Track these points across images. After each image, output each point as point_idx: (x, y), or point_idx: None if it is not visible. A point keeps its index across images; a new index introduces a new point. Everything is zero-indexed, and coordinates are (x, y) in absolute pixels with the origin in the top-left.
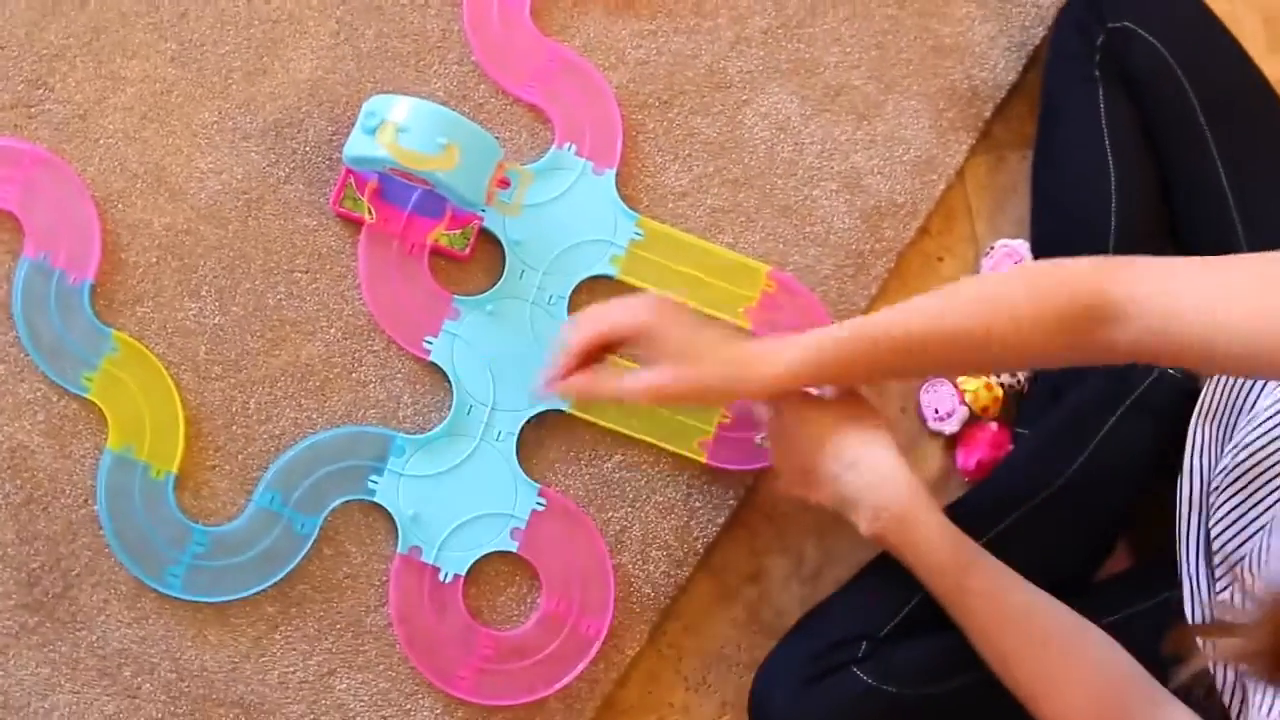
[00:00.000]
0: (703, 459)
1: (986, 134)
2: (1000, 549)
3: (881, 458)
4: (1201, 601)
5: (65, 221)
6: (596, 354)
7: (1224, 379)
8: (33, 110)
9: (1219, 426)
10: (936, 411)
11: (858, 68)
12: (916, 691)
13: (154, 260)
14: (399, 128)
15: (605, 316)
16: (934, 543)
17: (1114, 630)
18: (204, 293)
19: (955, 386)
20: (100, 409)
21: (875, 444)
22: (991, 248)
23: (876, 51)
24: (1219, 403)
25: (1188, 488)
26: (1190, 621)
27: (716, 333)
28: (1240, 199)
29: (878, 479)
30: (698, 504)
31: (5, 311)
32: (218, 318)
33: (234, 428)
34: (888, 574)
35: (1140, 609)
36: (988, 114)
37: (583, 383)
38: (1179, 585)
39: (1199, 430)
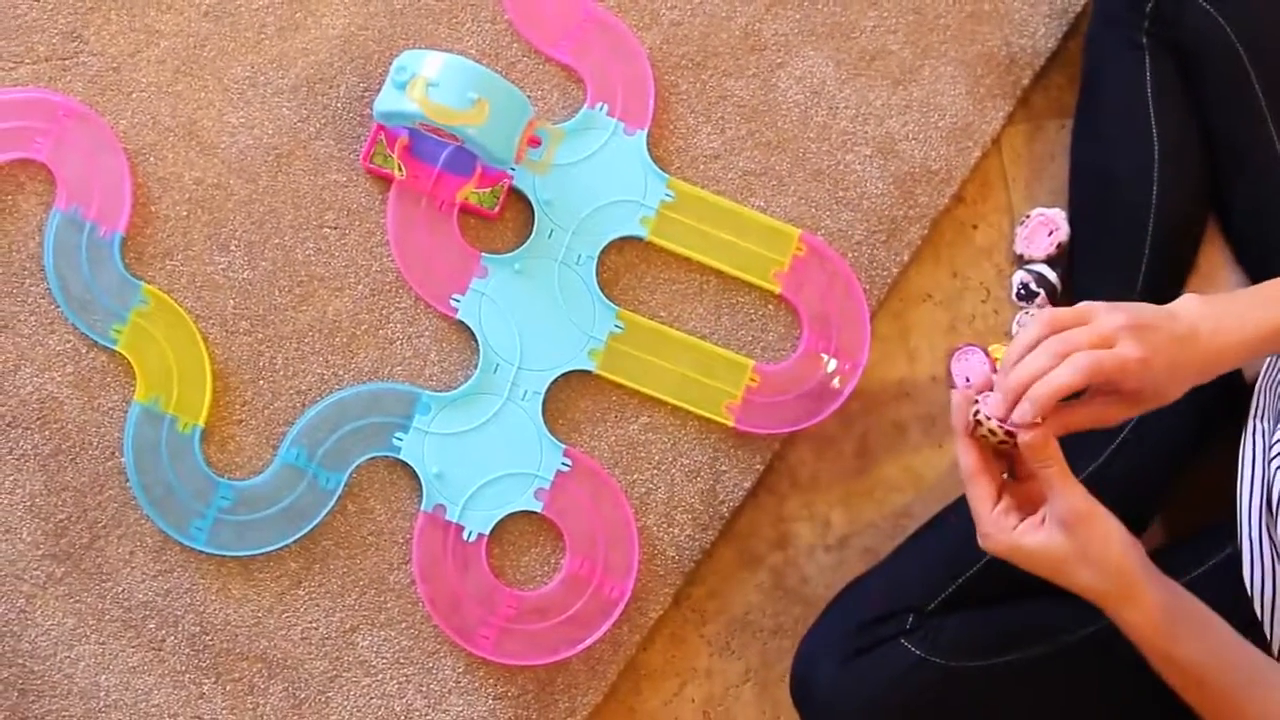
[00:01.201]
0: (730, 423)
1: (1024, 102)
2: None
3: (1110, 524)
4: (1263, 565)
5: (97, 174)
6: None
7: None
8: (67, 63)
9: (1276, 395)
10: (968, 380)
11: (894, 32)
12: (967, 664)
13: (184, 214)
14: (430, 82)
15: (1100, 357)
16: (1147, 613)
17: None
18: (233, 247)
19: (988, 354)
20: (129, 361)
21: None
22: (1027, 216)
23: (914, 16)
24: None
25: (1250, 449)
26: (1249, 585)
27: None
28: None
29: (1102, 547)
30: (724, 468)
31: (36, 263)
32: (246, 272)
33: (261, 382)
34: (932, 547)
35: (1184, 580)
36: (1026, 82)
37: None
38: (1238, 549)
39: (1261, 394)
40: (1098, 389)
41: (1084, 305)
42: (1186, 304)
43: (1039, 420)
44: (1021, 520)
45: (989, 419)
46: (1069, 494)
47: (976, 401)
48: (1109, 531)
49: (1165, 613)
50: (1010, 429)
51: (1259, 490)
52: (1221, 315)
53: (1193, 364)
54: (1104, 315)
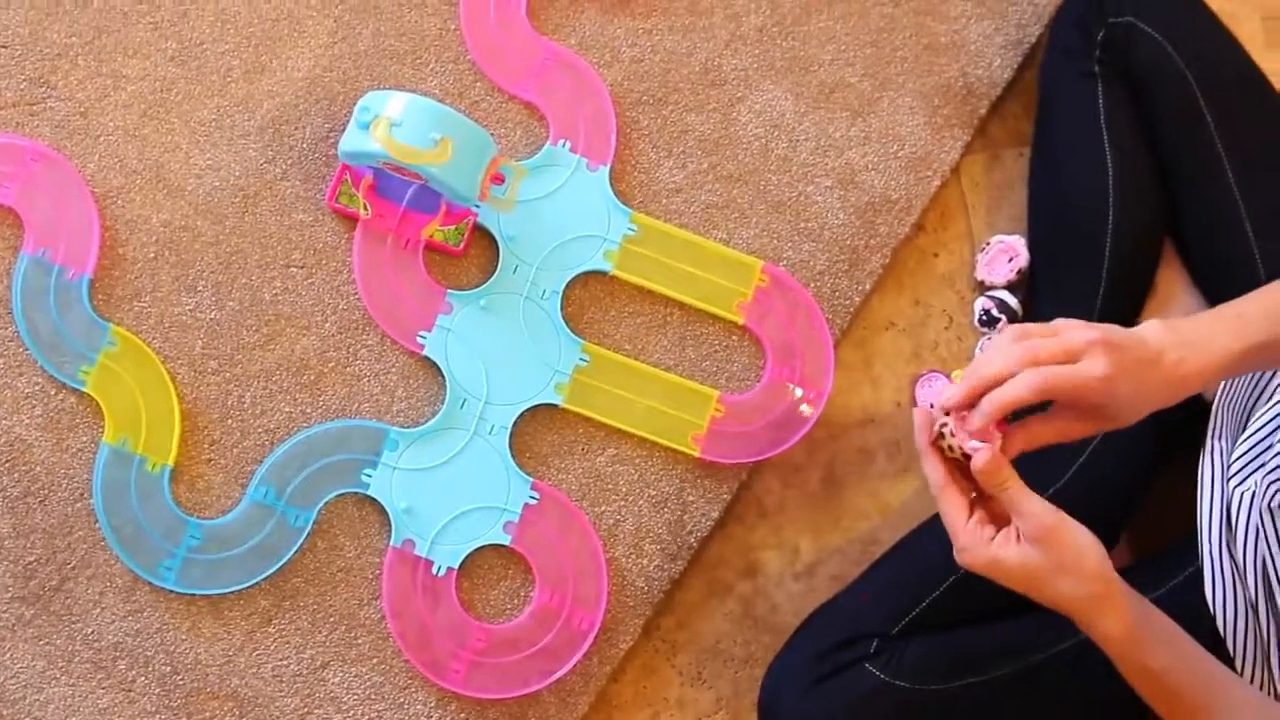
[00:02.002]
0: (696, 454)
1: (982, 131)
2: None
3: (1079, 534)
4: (1224, 582)
5: (65, 217)
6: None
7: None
8: (35, 108)
9: (1234, 414)
10: (932, 406)
11: (852, 65)
12: (930, 687)
13: (152, 255)
14: (393, 122)
15: (1055, 373)
16: (1124, 621)
17: None
18: (200, 288)
19: (950, 379)
20: (97, 403)
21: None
22: (987, 243)
23: (871, 49)
24: (1239, 389)
25: (1209, 469)
26: (1211, 603)
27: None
28: (1248, 193)
29: (1075, 556)
30: (691, 499)
31: (4, 306)
32: (214, 312)
33: (229, 421)
34: (895, 572)
35: (1153, 596)
36: (983, 111)
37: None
38: (1200, 567)
39: (1219, 414)
40: (1061, 405)
41: (1057, 321)
42: (1152, 329)
43: (990, 432)
44: (998, 532)
45: (952, 435)
46: (1033, 510)
47: (944, 418)
48: (1078, 540)
49: (1140, 621)
50: (966, 450)
51: (1218, 508)
52: (1185, 341)
53: (1158, 389)
54: (1074, 330)
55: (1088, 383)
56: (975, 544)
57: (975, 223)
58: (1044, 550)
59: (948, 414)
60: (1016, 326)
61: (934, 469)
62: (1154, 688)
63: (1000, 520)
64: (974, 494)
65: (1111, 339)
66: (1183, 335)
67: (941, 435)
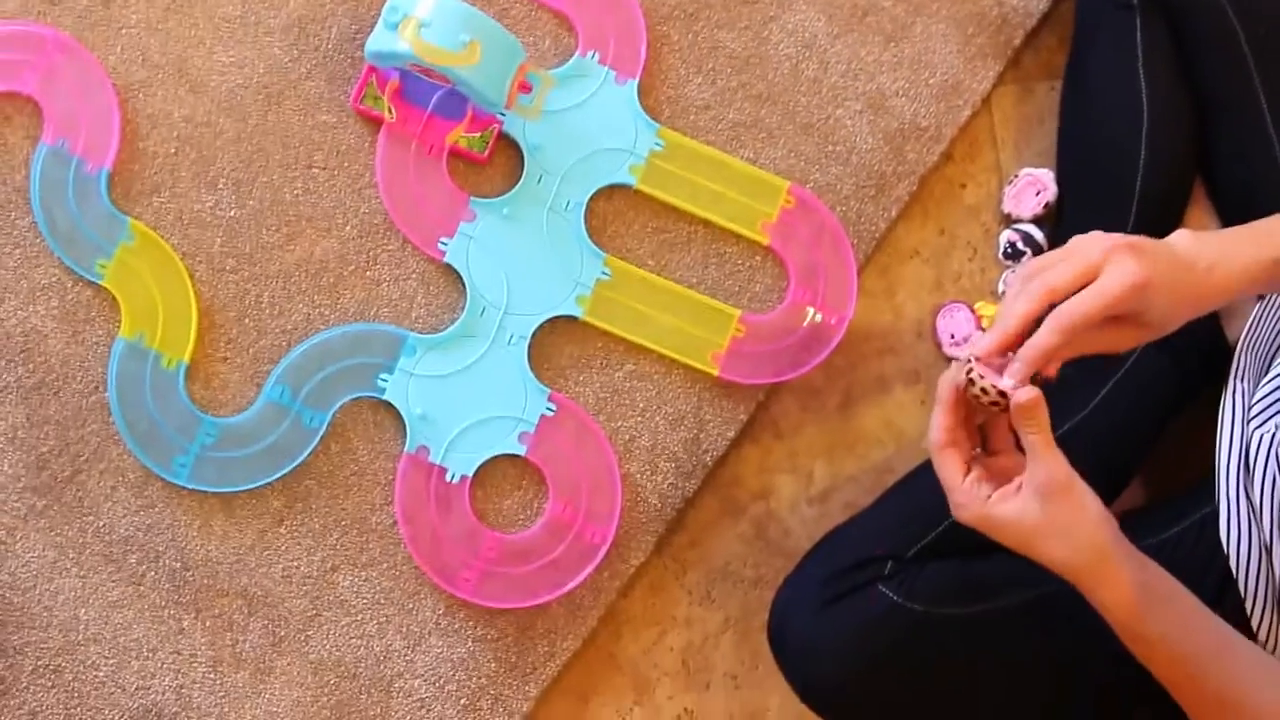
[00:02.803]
0: (715, 372)
1: (1015, 63)
2: None
3: (1087, 498)
4: (1239, 523)
5: (85, 109)
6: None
7: (1273, 305)
8: None
9: (1258, 356)
10: (953, 336)
11: None
12: (944, 611)
13: (172, 151)
14: (422, 22)
15: (1079, 308)
16: (1120, 591)
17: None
18: (221, 185)
19: (973, 311)
20: (114, 296)
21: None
22: (1015, 176)
23: None
24: (1264, 331)
25: (1229, 409)
26: (1226, 543)
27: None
28: None
29: (1073, 521)
30: (708, 417)
31: (23, 196)
32: (234, 210)
33: (246, 320)
34: (912, 497)
35: (1164, 537)
36: (1017, 42)
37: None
38: (1216, 507)
39: (1242, 356)
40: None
41: (1072, 239)
42: (1180, 237)
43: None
44: (994, 490)
45: (982, 378)
46: (1050, 462)
47: (969, 362)
48: (1085, 504)
49: (1137, 590)
50: (1003, 389)
51: (1237, 450)
52: (1216, 249)
53: (1189, 296)
54: (1088, 244)
55: (1117, 294)
56: (971, 500)
57: (1004, 155)
58: (1045, 507)
59: (977, 359)
60: (1029, 262)
61: (942, 421)
62: (1151, 653)
63: (998, 479)
64: (975, 451)
65: (1135, 242)
66: (1211, 245)
67: (971, 382)
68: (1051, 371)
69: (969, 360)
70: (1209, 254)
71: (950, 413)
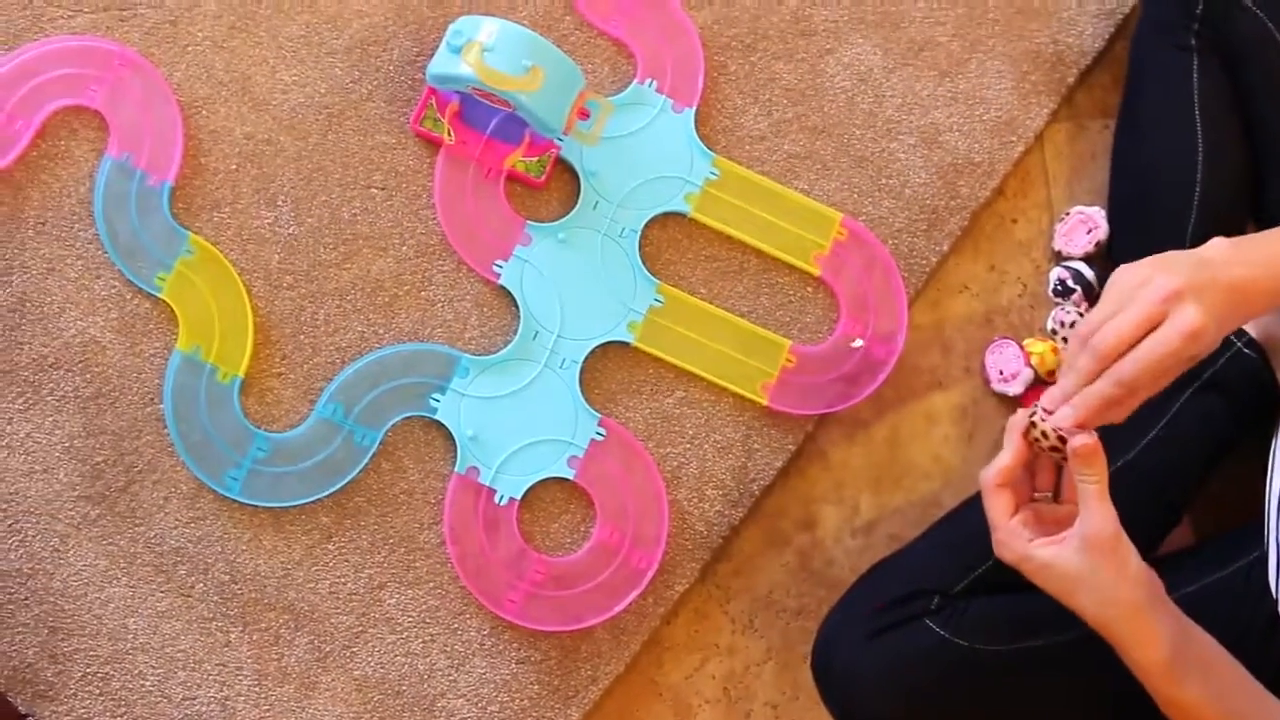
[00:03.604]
0: (764, 401)
1: (1069, 100)
2: None
3: (1130, 555)
4: None
5: (149, 124)
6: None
7: None
8: (124, 14)
9: None
10: (1001, 373)
11: (943, 24)
12: (988, 647)
13: (234, 167)
14: (485, 47)
15: (1158, 359)
16: (1153, 652)
17: (1190, 601)
18: (280, 202)
19: (1021, 348)
20: (172, 309)
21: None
22: (1066, 213)
23: (963, 9)
24: None
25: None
26: (1275, 586)
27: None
28: None
29: (1112, 577)
30: (756, 446)
31: (86, 209)
32: (292, 228)
33: (301, 337)
34: (961, 531)
35: (1211, 580)
36: (1071, 80)
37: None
38: (1264, 551)
39: None
40: None
41: (1114, 278)
42: (1217, 246)
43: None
44: (1036, 537)
45: (1043, 420)
46: (1101, 513)
47: (1037, 409)
48: (1127, 561)
49: (1172, 652)
50: (1064, 434)
51: None
52: (1249, 258)
53: (1231, 309)
54: (1146, 292)
55: (1177, 346)
56: (1012, 539)
57: (1055, 192)
58: (1087, 558)
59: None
60: (1090, 319)
61: (1002, 461)
62: (1183, 717)
63: (1048, 528)
64: (1037, 495)
65: (1191, 283)
66: (1247, 251)
67: (1033, 425)
68: (1119, 419)
69: (1036, 409)
70: (1244, 261)
71: (1013, 455)
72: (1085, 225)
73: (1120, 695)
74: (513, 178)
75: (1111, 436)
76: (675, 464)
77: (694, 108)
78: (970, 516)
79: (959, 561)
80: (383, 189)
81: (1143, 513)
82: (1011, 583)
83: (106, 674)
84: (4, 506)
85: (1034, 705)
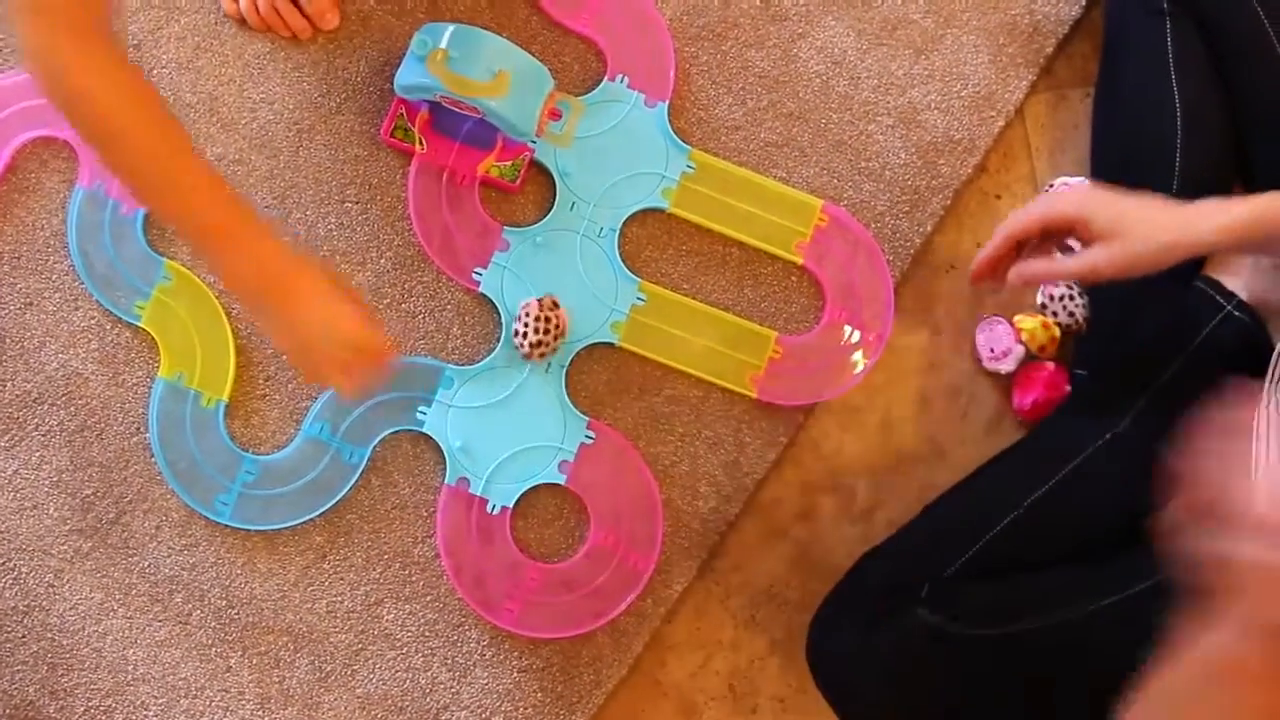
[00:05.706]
0: (753, 394)
1: (1048, 71)
2: (1065, 486)
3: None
4: None
5: None
6: (1027, 244)
7: None
8: None
9: None
10: (992, 350)
11: (915, 1)
12: (981, 631)
13: None
14: (450, 55)
15: (1044, 206)
16: None
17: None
18: None
19: (1011, 325)
20: (152, 337)
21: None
22: (1050, 185)
23: None
24: None
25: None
26: None
27: (1147, 208)
28: None
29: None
30: (748, 439)
31: (60, 240)
32: None
33: (283, 357)
34: (950, 516)
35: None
36: (1049, 50)
37: (1035, 268)
38: None
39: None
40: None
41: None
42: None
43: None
44: None
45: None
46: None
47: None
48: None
49: None
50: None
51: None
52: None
53: (1164, 215)
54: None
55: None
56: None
57: (1039, 164)
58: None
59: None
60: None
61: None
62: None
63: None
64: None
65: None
66: (1157, 211)
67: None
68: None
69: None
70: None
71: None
72: None
73: (1107, 675)
74: (487, 183)
75: (1104, 407)
76: (667, 463)
77: (667, 102)
78: (956, 501)
79: (948, 546)
80: (357, 202)
81: (1136, 482)
82: (1000, 564)
83: (109, 707)
84: None
85: (1027, 685)
